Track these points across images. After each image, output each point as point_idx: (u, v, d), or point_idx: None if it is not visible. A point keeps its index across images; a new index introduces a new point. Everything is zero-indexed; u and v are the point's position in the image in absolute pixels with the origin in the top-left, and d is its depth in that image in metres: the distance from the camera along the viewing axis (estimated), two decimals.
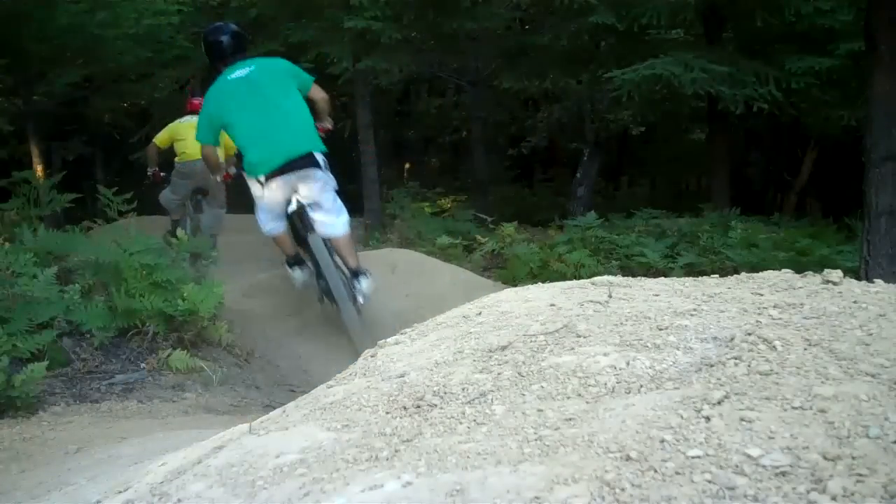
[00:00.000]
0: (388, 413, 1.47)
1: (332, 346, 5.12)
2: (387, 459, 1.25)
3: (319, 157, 4.00)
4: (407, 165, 11.38)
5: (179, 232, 5.15)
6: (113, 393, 3.85)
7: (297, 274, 4.55)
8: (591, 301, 1.90)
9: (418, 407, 1.46)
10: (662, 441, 1.14)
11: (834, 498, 0.96)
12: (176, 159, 6.91)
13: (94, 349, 4.11)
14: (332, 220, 4.14)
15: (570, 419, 1.28)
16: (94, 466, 2.50)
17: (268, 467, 1.34)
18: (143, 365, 4.14)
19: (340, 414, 1.52)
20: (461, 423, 1.35)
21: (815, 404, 1.19)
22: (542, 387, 1.44)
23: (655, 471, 1.06)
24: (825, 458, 1.04)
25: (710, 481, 1.03)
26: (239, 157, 4.28)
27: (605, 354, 1.52)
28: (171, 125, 7.05)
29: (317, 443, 1.39)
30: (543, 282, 2.49)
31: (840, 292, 1.81)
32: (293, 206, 4.11)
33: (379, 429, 1.39)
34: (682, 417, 1.20)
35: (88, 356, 4.06)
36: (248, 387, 4.38)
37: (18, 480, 2.59)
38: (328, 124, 4.38)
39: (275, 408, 2.03)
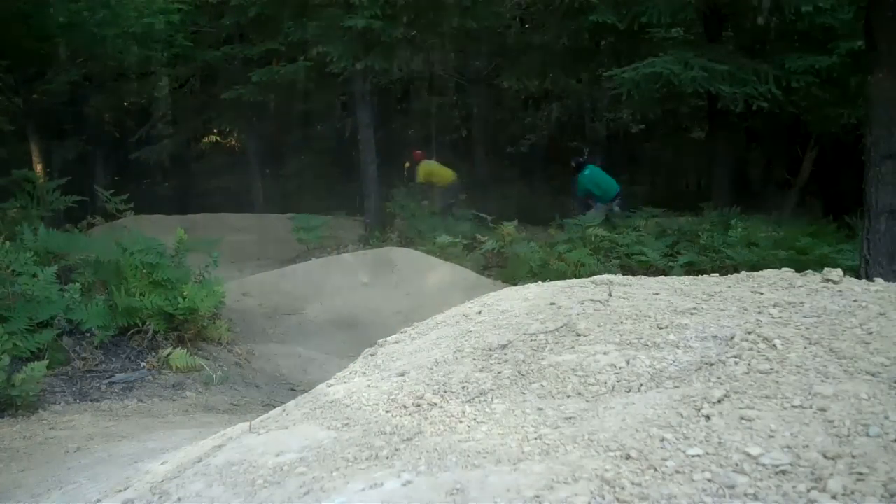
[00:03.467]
0: (388, 412, 1.47)
1: (332, 344, 5.12)
2: (387, 458, 1.25)
3: None
4: (407, 164, 11.40)
5: (179, 231, 5.18)
6: (113, 392, 3.85)
7: None
8: (592, 300, 1.90)
9: (418, 406, 1.46)
10: (662, 440, 1.14)
11: (834, 496, 0.96)
12: None
13: (95, 348, 4.11)
14: None
15: (570, 418, 1.28)
16: (94, 465, 2.50)
17: (268, 466, 1.34)
18: (143, 364, 4.14)
19: (340, 413, 1.52)
20: (461, 421, 1.35)
21: (815, 403, 1.19)
22: (542, 385, 1.44)
23: (655, 469, 1.06)
24: (825, 456, 1.04)
25: (710, 480, 1.03)
26: None
27: (605, 353, 1.52)
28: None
29: (317, 441, 1.39)
30: (543, 280, 2.49)
31: (840, 291, 1.81)
32: None
33: (379, 427, 1.39)
34: (681, 416, 1.20)
35: (88, 355, 4.06)
36: (248, 385, 4.38)
37: (19, 479, 2.58)
38: None
39: (275, 406, 2.03)
